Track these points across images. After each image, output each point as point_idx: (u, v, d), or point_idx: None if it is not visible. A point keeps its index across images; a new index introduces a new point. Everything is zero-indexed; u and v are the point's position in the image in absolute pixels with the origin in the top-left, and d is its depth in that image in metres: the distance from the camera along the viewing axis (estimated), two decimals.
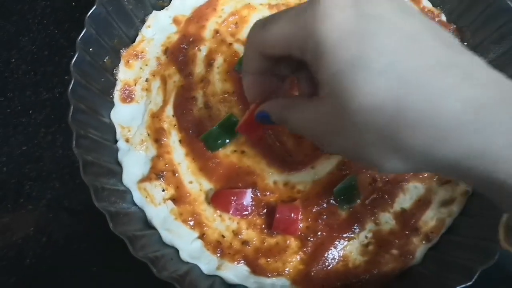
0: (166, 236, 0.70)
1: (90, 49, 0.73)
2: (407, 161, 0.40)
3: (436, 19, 0.85)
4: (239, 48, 0.81)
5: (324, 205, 0.71)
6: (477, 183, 0.40)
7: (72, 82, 0.68)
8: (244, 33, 0.83)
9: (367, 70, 0.37)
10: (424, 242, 0.70)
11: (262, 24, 0.48)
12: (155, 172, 0.73)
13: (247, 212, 0.70)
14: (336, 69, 0.38)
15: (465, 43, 0.83)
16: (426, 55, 0.37)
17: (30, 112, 0.85)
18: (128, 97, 0.79)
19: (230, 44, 0.82)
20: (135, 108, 0.79)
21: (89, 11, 0.72)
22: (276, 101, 0.53)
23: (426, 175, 0.73)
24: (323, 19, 0.38)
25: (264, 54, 0.49)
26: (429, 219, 0.72)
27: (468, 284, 0.59)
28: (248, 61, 0.52)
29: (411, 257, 0.69)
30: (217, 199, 0.71)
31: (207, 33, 0.83)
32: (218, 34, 0.82)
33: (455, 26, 0.84)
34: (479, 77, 0.37)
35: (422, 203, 0.72)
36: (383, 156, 0.41)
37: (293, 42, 0.43)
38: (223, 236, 0.70)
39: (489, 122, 0.35)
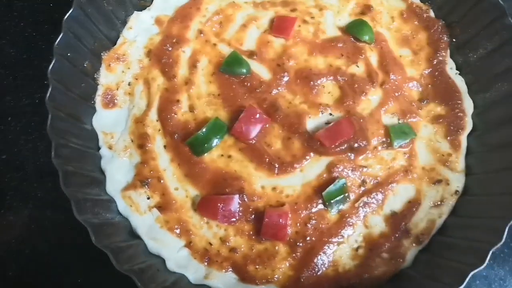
0: (152, 246, 0.68)
1: (69, 54, 0.71)
2: None
3: (425, 15, 0.83)
4: (224, 49, 0.79)
5: (313, 209, 0.70)
6: None
7: (50, 89, 0.66)
8: (229, 33, 0.81)
9: None
10: (414, 244, 0.70)
11: None
12: (139, 179, 0.71)
13: (234, 219, 0.69)
14: None
15: (454, 40, 0.82)
16: None
17: (9, 119, 0.82)
18: (110, 102, 0.77)
19: (215, 44, 0.80)
20: (118, 113, 0.76)
21: (67, 12, 0.70)
22: None
23: (415, 174, 0.72)
24: None
25: None
26: (420, 220, 0.71)
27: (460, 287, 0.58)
28: None
29: (401, 260, 0.68)
30: (204, 206, 0.69)
31: (191, 33, 0.81)
32: (202, 35, 0.80)
33: (443, 22, 0.83)
34: None
35: (412, 205, 0.72)
36: None
37: None
38: (211, 244, 0.69)
39: None
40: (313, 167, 0.72)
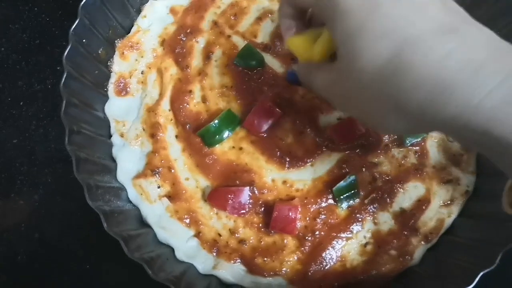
0: (162, 235, 0.68)
1: (84, 40, 0.70)
2: (405, 119, 0.44)
3: None
4: (238, 41, 0.79)
5: (323, 204, 0.70)
6: (473, 141, 0.42)
7: (65, 75, 0.66)
8: (243, 25, 0.80)
9: (372, 34, 0.42)
10: (423, 242, 0.70)
11: None
12: (150, 168, 0.71)
13: (244, 211, 0.69)
14: (346, 33, 0.44)
15: None
16: (430, 21, 0.41)
17: (21, 104, 0.82)
18: (123, 90, 0.77)
19: (229, 36, 0.79)
20: (130, 101, 0.76)
21: None
22: (304, 64, 0.59)
23: (425, 173, 0.72)
24: None
25: (294, 4, 0.56)
26: (429, 219, 0.71)
27: None
28: (284, 8, 0.58)
29: (409, 258, 0.69)
30: (214, 197, 0.69)
31: (205, 24, 0.80)
32: (216, 26, 0.80)
33: None
34: (478, 40, 0.40)
35: (422, 203, 0.71)
36: (384, 114, 0.45)
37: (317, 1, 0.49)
38: (220, 235, 0.69)
39: (486, 81, 0.38)
40: (324, 162, 0.72)
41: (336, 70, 0.49)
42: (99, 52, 0.75)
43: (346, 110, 0.60)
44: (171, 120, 0.74)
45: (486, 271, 0.59)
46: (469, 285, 0.58)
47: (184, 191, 0.71)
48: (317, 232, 0.69)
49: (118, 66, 0.77)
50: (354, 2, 0.43)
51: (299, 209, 0.69)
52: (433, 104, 0.40)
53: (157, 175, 0.71)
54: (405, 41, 0.40)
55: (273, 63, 0.77)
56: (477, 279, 0.58)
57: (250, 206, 0.69)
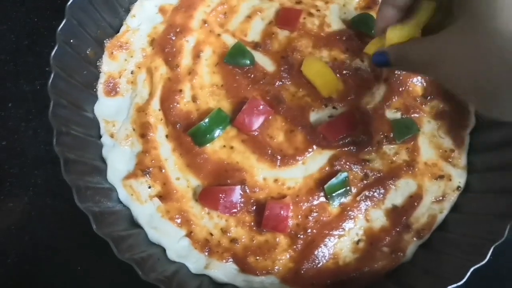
0: (153, 235, 0.68)
1: (71, 41, 0.70)
2: None
3: None
4: (228, 40, 0.79)
5: (315, 202, 0.70)
6: None
7: (52, 75, 0.65)
8: (233, 23, 0.80)
9: None
10: (415, 239, 0.70)
11: None
12: (141, 169, 0.71)
13: (235, 210, 0.69)
14: None
15: None
16: None
17: (10, 105, 0.81)
18: (112, 90, 0.76)
19: (219, 35, 0.79)
20: (120, 101, 0.76)
21: None
22: (398, 45, 0.55)
23: (417, 169, 0.72)
24: None
25: (396, 4, 0.55)
26: (421, 215, 0.71)
27: (460, 283, 0.58)
28: (382, 15, 0.58)
29: (401, 254, 0.69)
30: (205, 197, 0.69)
31: (195, 23, 0.80)
32: (206, 25, 0.79)
33: None
34: None
35: (414, 200, 0.71)
36: None
37: None
38: (211, 234, 0.69)
39: None
40: (315, 160, 0.72)
41: (452, 38, 0.44)
42: (88, 52, 0.74)
43: (457, 84, 0.47)
44: (161, 119, 0.74)
45: (477, 266, 0.59)
46: (460, 280, 0.59)
47: (175, 191, 0.70)
48: (309, 230, 0.69)
49: (107, 66, 0.77)
50: None
51: (291, 207, 0.69)
52: None
53: (147, 175, 0.70)
54: None
55: (264, 61, 0.77)
56: (468, 274, 0.58)
57: (242, 205, 0.69)
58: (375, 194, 0.71)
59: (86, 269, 0.72)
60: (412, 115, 0.75)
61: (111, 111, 0.75)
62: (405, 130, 0.73)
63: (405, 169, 0.73)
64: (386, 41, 0.58)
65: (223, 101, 0.75)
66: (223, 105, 0.74)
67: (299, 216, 0.69)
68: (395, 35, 0.57)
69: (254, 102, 0.72)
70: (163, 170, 0.71)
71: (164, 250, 0.67)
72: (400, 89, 0.76)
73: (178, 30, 0.79)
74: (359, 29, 0.80)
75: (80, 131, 0.69)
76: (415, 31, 0.56)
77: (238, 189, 0.69)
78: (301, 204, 0.70)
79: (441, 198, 0.72)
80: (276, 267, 0.67)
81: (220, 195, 0.68)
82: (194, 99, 0.75)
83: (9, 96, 0.82)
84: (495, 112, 0.45)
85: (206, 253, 0.68)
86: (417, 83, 0.78)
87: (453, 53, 0.44)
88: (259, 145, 0.72)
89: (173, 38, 0.78)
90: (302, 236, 0.68)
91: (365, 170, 0.72)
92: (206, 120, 0.71)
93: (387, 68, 0.57)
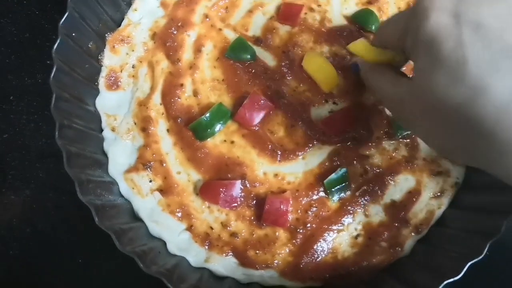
0: (154, 228, 0.68)
1: (73, 34, 0.70)
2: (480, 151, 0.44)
3: None
4: (230, 34, 0.79)
5: (314, 197, 0.71)
6: None
7: (54, 69, 0.65)
8: (234, 18, 0.80)
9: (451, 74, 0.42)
10: (413, 234, 0.70)
11: (385, 22, 0.61)
12: (142, 162, 0.71)
13: (236, 204, 0.69)
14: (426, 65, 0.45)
15: None
16: None
17: (12, 98, 0.82)
18: (114, 84, 0.76)
19: (220, 29, 0.79)
20: (121, 95, 0.76)
21: None
22: (368, 64, 0.64)
23: (416, 165, 0.73)
24: (422, 18, 0.45)
25: (383, 45, 0.61)
26: (419, 211, 0.72)
27: (457, 278, 0.59)
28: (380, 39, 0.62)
29: (400, 249, 0.69)
30: (206, 191, 0.70)
31: (196, 17, 0.80)
32: (207, 19, 0.80)
33: None
34: None
35: (413, 195, 0.72)
36: (455, 144, 0.47)
37: (403, 37, 0.51)
38: (212, 228, 0.69)
39: None
40: (315, 155, 0.73)
41: (409, 88, 0.50)
42: (89, 45, 0.74)
43: (408, 126, 0.60)
44: (163, 114, 0.74)
45: (474, 261, 0.59)
46: (457, 275, 0.59)
47: (176, 185, 0.71)
48: (308, 225, 0.69)
49: (109, 60, 0.77)
50: (441, 29, 0.43)
51: (291, 201, 0.69)
52: None
53: (148, 169, 0.71)
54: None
55: (265, 56, 0.77)
56: (465, 269, 0.59)
57: (242, 199, 0.70)
58: (374, 189, 0.72)
59: (87, 262, 0.73)
60: None
61: (112, 104, 0.75)
62: None
63: (404, 164, 0.73)
64: (351, 49, 0.68)
65: (224, 95, 0.75)
66: (224, 100, 0.75)
67: (299, 211, 0.70)
68: (359, 48, 0.65)
69: (255, 97, 0.72)
70: (164, 164, 0.72)
71: (164, 243, 0.68)
72: None
73: (179, 24, 0.79)
74: (360, 24, 0.80)
75: (82, 124, 0.69)
76: (379, 56, 0.62)
77: (238, 184, 0.69)
78: (301, 198, 0.70)
79: (439, 194, 0.72)
80: (276, 261, 0.68)
81: (221, 189, 0.69)
82: (195, 93, 0.75)
83: (11, 90, 0.82)
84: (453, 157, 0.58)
85: (206, 247, 0.69)
86: None
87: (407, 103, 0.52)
88: (260, 139, 0.73)
89: (175, 32, 0.78)
90: (301, 231, 0.69)
91: (364, 166, 0.72)
92: (207, 114, 0.72)
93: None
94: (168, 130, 0.74)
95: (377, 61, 0.63)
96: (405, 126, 0.61)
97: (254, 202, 0.70)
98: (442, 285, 0.59)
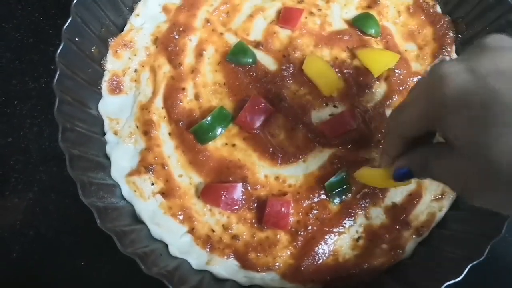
0: (155, 231, 0.69)
1: (76, 39, 0.71)
2: None
3: (431, 10, 0.83)
4: (231, 39, 0.79)
5: (315, 199, 0.71)
6: None
7: (58, 73, 0.66)
8: (235, 22, 0.81)
9: (497, 125, 0.39)
10: (414, 236, 0.71)
11: (398, 111, 0.53)
12: (144, 166, 0.72)
13: (237, 207, 0.70)
14: (464, 127, 0.41)
15: (460, 36, 0.82)
16: None
17: (15, 102, 0.83)
18: (116, 88, 0.77)
19: (221, 34, 0.80)
20: (124, 99, 0.77)
21: None
22: (415, 153, 0.52)
23: None
24: (442, 86, 0.43)
25: (403, 136, 0.52)
26: (420, 213, 0.72)
27: (458, 279, 0.59)
28: (389, 146, 0.55)
29: (401, 251, 0.69)
30: (207, 193, 0.70)
31: (198, 22, 0.81)
32: (209, 24, 0.80)
33: (449, 17, 0.83)
34: None
35: (413, 198, 0.72)
36: None
37: (428, 115, 0.46)
38: (213, 231, 0.70)
39: None
40: (316, 158, 0.73)
41: (460, 158, 0.45)
42: (92, 50, 0.75)
43: (475, 197, 0.50)
44: (164, 117, 0.75)
45: (475, 262, 0.59)
46: (458, 276, 0.59)
47: (177, 188, 0.71)
48: (309, 227, 0.69)
49: (112, 64, 0.78)
50: (464, 91, 0.41)
51: (292, 204, 0.70)
52: None
53: (150, 172, 0.71)
54: None
55: (265, 60, 0.78)
56: (466, 270, 0.59)
57: (243, 202, 0.70)
58: (375, 192, 0.72)
59: (90, 264, 0.73)
60: None
61: (115, 108, 0.76)
62: None
63: None
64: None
65: (225, 99, 0.76)
66: (225, 103, 0.75)
67: (300, 213, 0.70)
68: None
69: (256, 100, 0.73)
70: (166, 167, 0.72)
71: (166, 245, 0.68)
72: (400, 88, 0.77)
73: (181, 29, 0.80)
74: (360, 28, 0.80)
75: (85, 128, 0.70)
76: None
77: (239, 186, 0.70)
78: (302, 201, 0.71)
79: (440, 196, 0.73)
80: (277, 264, 0.68)
81: (222, 192, 0.69)
82: (196, 97, 0.76)
83: (15, 94, 0.83)
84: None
85: (208, 249, 0.69)
86: None
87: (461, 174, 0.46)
88: (261, 143, 0.73)
89: (176, 37, 0.79)
90: (302, 233, 0.69)
91: None
92: (209, 118, 0.72)
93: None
94: (170, 134, 0.74)
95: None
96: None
97: (255, 204, 0.70)
98: (443, 287, 0.59)
